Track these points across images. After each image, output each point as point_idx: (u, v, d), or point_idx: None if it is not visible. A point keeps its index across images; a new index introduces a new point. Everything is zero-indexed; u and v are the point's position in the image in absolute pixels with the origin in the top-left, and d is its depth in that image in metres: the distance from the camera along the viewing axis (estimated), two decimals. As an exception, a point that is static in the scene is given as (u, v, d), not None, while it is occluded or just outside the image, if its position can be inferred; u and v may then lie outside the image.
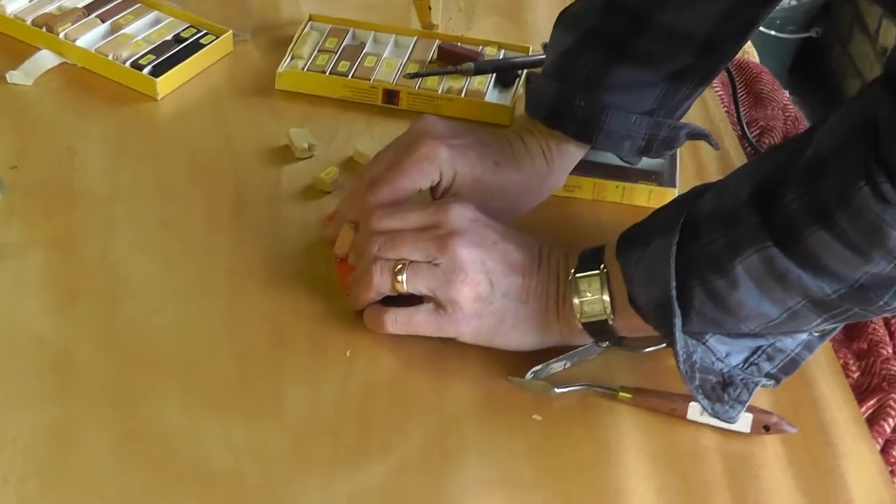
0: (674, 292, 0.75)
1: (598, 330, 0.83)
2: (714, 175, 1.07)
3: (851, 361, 0.94)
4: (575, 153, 0.95)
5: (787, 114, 1.23)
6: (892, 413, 0.88)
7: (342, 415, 0.81)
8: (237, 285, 0.90)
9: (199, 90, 1.12)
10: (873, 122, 0.67)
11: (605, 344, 0.85)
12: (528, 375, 0.84)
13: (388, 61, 1.13)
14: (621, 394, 0.83)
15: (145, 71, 1.10)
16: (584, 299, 0.82)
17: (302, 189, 1.01)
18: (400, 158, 0.89)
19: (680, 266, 0.76)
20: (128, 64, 1.10)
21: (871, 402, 0.89)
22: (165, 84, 1.09)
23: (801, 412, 0.84)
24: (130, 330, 0.86)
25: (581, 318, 0.82)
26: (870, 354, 0.94)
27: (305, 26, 1.18)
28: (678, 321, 0.76)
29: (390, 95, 1.10)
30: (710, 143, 1.02)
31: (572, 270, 0.83)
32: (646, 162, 1.03)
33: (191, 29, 1.16)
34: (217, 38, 1.15)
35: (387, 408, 0.82)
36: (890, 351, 0.94)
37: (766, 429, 0.81)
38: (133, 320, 0.86)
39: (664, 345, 0.87)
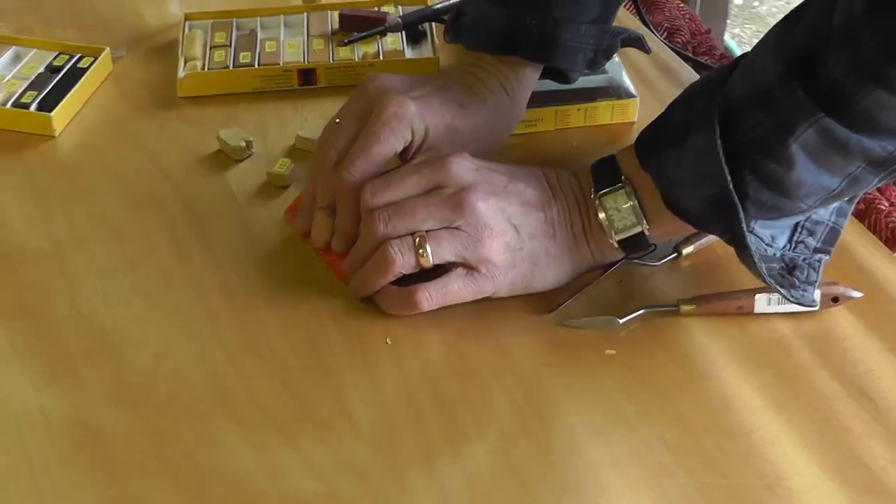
0: (731, 186, 0.72)
1: (633, 243, 0.79)
2: (657, 79, 1.05)
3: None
4: (531, 77, 0.91)
5: (682, 12, 1.22)
6: (918, 260, 0.88)
7: (416, 404, 0.74)
8: (238, 304, 0.82)
9: (95, 117, 1.01)
10: None
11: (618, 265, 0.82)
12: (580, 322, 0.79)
13: (290, 42, 1.06)
14: (683, 307, 0.80)
15: (32, 108, 0.98)
16: (613, 216, 0.78)
17: (257, 189, 0.93)
18: (366, 124, 0.82)
19: (726, 158, 0.72)
20: (9, 106, 0.98)
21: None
22: (61, 118, 0.98)
23: (851, 278, 0.82)
24: (146, 381, 0.76)
25: (616, 236, 0.78)
26: (869, 213, 0.94)
27: (185, 27, 1.08)
28: (742, 214, 0.73)
29: (306, 75, 1.03)
30: (642, 47, 0.99)
31: (592, 190, 0.78)
32: (583, 81, 0.99)
33: (62, 56, 1.04)
34: (95, 59, 1.04)
35: (457, 384, 0.75)
36: (887, 205, 0.94)
37: (835, 300, 0.79)
38: (144, 370, 0.77)
39: (675, 255, 0.84)
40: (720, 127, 0.73)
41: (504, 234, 0.78)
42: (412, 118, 0.82)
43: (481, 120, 0.87)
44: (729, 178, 0.72)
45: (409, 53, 1.05)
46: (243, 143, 0.94)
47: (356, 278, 0.81)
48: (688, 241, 0.84)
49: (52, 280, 0.84)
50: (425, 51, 1.06)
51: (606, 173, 0.79)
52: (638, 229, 0.78)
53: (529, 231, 0.79)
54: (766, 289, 0.78)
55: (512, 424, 0.73)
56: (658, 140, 0.76)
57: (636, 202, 0.78)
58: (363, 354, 0.78)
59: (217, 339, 0.79)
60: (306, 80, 1.03)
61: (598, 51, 0.91)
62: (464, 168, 0.79)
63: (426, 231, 0.77)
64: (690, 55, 1.11)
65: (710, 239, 0.84)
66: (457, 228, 0.77)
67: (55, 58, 1.04)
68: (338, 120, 0.85)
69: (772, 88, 0.71)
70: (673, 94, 1.01)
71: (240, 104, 1.02)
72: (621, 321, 0.79)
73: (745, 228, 0.73)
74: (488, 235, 0.77)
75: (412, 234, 0.77)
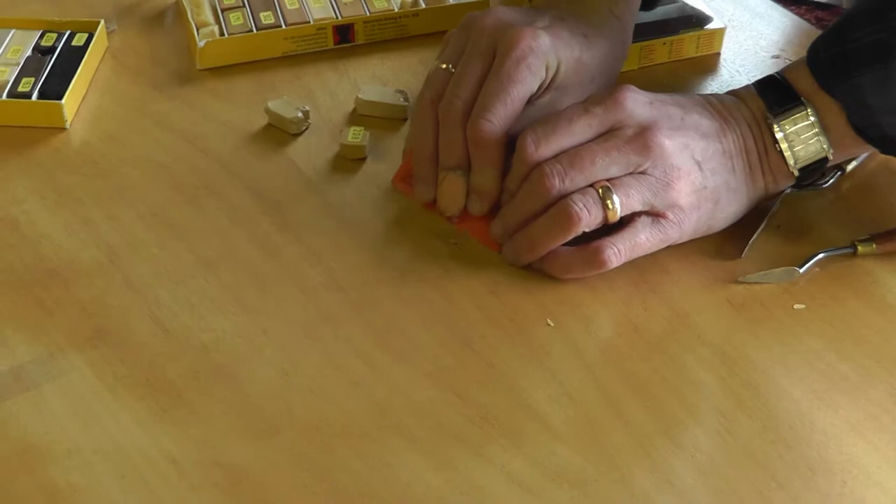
0: None
1: (812, 170, 0.71)
2: (734, 11, 0.96)
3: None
4: (636, 1, 0.81)
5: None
6: None
7: (608, 392, 0.64)
8: (355, 299, 0.70)
9: (106, 100, 0.86)
10: None
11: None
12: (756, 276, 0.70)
13: (314, -5, 0.92)
14: (861, 248, 0.71)
15: (34, 98, 0.83)
16: (794, 142, 0.69)
17: (330, 165, 0.80)
18: (496, 64, 0.71)
19: None
20: (5, 97, 0.83)
21: None
22: (71, 105, 0.83)
23: None
24: (278, 403, 0.63)
25: (797, 164, 0.70)
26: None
27: (183, -11, 0.94)
28: None
29: (343, 32, 0.90)
30: None
31: (768, 114, 0.70)
32: (656, 14, 0.90)
33: (49, 35, 0.89)
34: (90, 35, 0.89)
35: (646, 363, 0.65)
36: None
37: None
38: (270, 390, 0.64)
39: (839, 172, 0.77)
40: None
41: (689, 174, 0.68)
42: (547, 53, 0.71)
43: (602, 52, 0.76)
44: None
45: (453, -3, 0.94)
46: (300, 114, 0.82)
47: (517, 242, 0.70)
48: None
49: (119, 295, 0.70)
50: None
51: (779, 95, 0.70)
52: (822, 155, 0.70)
53: (711, 166, 0.69)
54: (948, 218, 0.71)
55: (725, 402, 0.63)
56: (846, 62, 0.67)
57: (819, 126, 0.69)
58: (525, 341, 0.67)
59: (345, 343, 0.67)
60: (343, 37, 0.90)
61: None
62: (639, 103, 0.68)
63: (608, 180, 0.67)
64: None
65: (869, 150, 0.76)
66: (641, 173, 0.67)
67: (41, 37, 0.89)
68: (444, 65, 0.73)
69: None
70: (747, 21, 0.94)
71: (270, 71, 0.89)
72: (801, 270, 0.70)
73: None
74: (676, 177, 0.68)
75: (592, 184, 0.67)
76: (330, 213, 0.76)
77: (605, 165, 0.67)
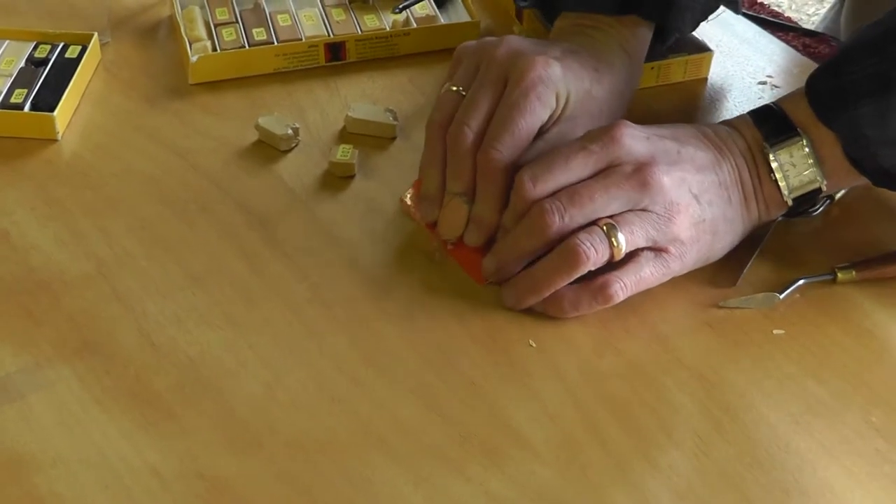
0: None
1: (805, 200, 0.72)
2: (722, 37, 0.97)
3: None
4: (647, 37, 0.82)
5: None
6: None
7: (587, 413, 0.65)
8: (341, 316, 0.70)
9: (98, 113, 0.87)
10: None
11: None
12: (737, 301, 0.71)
13: (307, 14, 0.93)
14: (841, 275, 0.72)
15: (26, 109, 0.83)
16: (788, 172, 0.70)
17: (318, 182, 0.81)
18: (506, 93, 0.72)
19: None
20: (-1, 108, 0.84)
21: None
22: (63, 117, 0.84)
23: None
24: (262, 417, 0.64)
25: (791, 194, 0.71)
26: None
27: (177, 4, 0.95)
28: None
29: (335, 50, 0.91)
30: (735, 7, 0.91)
31: (764, 144, 0.70)
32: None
33: (43, 46, 0.90)
34: (84, 47, 0.90)
35: (626, 385, 0.66)
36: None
37: None
38: (254, 404, 0.65)
39: (828, 201, 0.78)
40: None
41: (688, 208, 0.69)
42: (558, 83, 0.72)
43: (612, 86, 0.77)
44: None
45: (444, 19, 0.95)
46: (290, 131, 0.82)
47: (519, 284, 0.70)
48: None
49: (108, 307, 0.71)
50: (454, 15, 0.96)
51: (776, 125, 0.71)
52: (815, 185, 0.71)
53: (708, 199, 0.70)
54: (927, 247, 0.72)
55: (702, 424, 0.64)
56: (845, 94, 0.68)
57: (814, 156, 0.70)
58: (508, 361, 0.68)
59: (330, 359, 0.68)
60: (334, 55, 0.91)
61: (704, 10, 0.84)
62: (636, 139, 0.69)
63: (610, 217, 0.68)
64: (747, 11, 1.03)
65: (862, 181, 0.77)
66: (643, 210, 0.68)
67: (35, 48, 0.90)
68: (454, 88, 0.73)
69: None
70: (734, 47, 0.95)
71: (261, 87, 0.90)
72: (781, 296, 0.71)
73: None
74: (676, 212, 0.68)
75: (594, 222, 0.67)
76: (318, 230, 0.76)
77: (605, 202, 0.67)
